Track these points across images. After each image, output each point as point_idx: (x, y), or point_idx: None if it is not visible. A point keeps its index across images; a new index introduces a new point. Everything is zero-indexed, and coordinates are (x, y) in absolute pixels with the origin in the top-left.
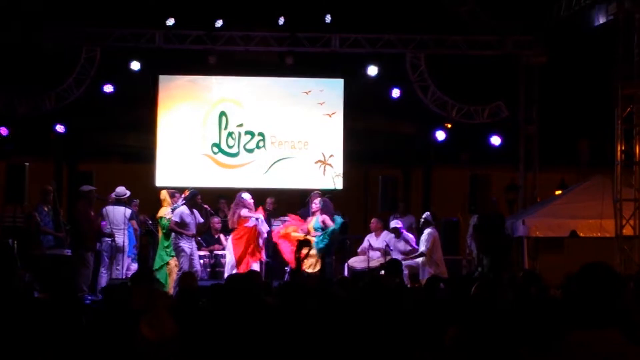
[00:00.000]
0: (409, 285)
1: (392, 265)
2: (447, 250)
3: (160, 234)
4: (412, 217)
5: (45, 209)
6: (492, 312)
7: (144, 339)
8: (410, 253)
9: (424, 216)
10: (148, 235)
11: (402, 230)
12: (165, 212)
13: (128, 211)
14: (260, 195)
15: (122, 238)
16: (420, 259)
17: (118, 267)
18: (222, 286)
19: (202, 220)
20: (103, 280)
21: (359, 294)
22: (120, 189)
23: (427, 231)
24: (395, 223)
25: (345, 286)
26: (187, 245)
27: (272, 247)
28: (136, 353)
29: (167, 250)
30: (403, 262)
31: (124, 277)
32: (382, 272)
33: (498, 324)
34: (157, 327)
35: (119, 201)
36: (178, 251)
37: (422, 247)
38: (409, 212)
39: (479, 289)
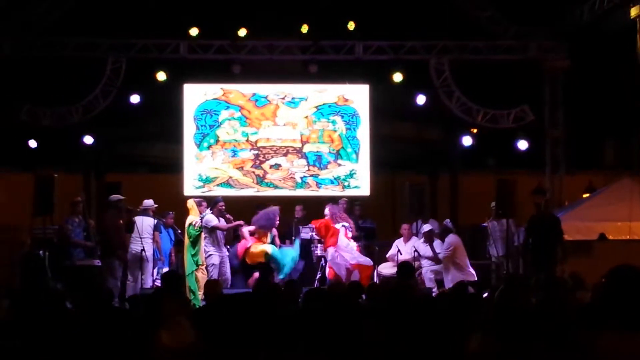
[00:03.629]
0: (433, 289)
1: (404, 268)
2: (476, 255)
3: (187, 242)
4: (435, 222)
5: (76, 220)
6: (517, 317)
7: (163, 346)
8: (435, 258)
9: (443, 223)
10: (178, 245)
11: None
12: (193, 220)
13: (154, 221)
14: (288, 204)
15: (149, 248)
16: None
17: (143, 277)
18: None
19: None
20: (129, 290)
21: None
22: (147, 201)
23: (447, 239)
24: (427, 227)
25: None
26: (218, 254)
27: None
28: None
29: (194, 258)
30: (430, 267)
31: (151, 286)
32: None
33: (523, 329)
34: (177, 334)
35: (145, 211)
36: (209, 261)
37: (440, 255)
38: (433, 218)
39: (503, 294)
